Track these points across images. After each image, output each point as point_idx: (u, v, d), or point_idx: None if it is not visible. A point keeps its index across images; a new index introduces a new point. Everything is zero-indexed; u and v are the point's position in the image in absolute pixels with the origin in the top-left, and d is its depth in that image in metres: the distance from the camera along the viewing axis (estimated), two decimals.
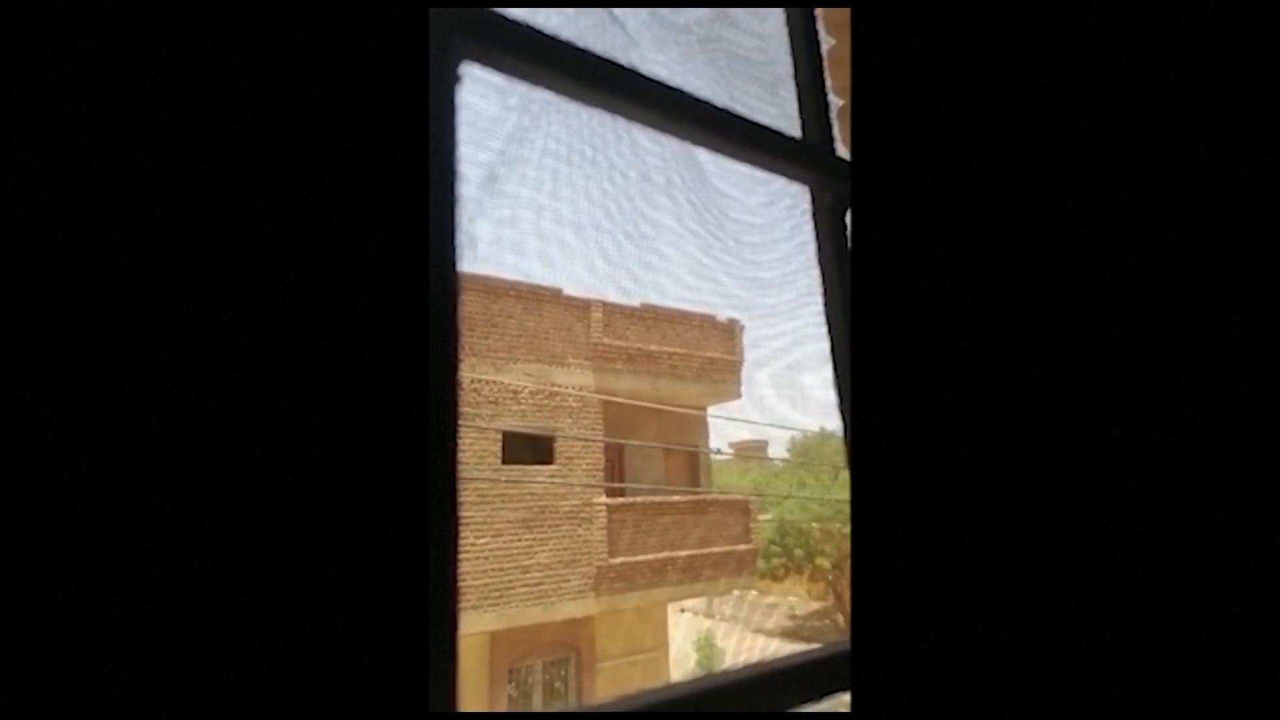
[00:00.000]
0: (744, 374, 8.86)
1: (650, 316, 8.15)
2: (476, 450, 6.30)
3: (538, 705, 7.33)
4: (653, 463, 8.74)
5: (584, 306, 7.51)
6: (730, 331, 8.90)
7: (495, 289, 6.92)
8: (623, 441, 7.68)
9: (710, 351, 8.53)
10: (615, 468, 8.34)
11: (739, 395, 8.93)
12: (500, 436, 6.55)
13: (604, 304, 7.63)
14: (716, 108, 0.71)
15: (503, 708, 6.93)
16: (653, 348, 7.95)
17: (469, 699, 6.68)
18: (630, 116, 0.67)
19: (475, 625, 6.04)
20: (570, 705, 7.49)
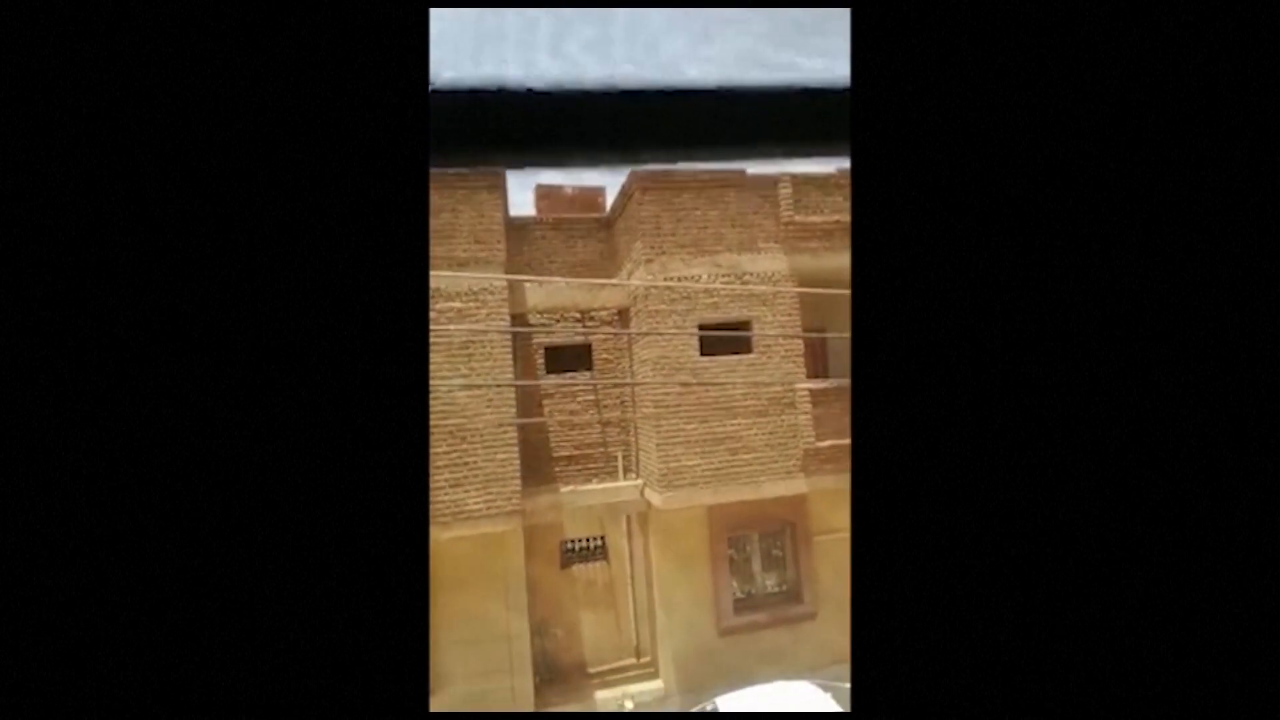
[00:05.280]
0: None
1: (847, 182, 7.42)
2: (676, 344, 6.61)
3: (757, 570, 7.97)
4: None
5: (770, 184, 7.11)
6: None
7: (675, 183, 6.85)
8: (820, 335, 7.39)
9: None
10: (818, 353, 8.13)
11: None
12: (697, 330, 6.75)
13: (792, 177, 7.13)
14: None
15: (724, 571, 7.67)
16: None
17: (693, 562, 7.50)
18: None
19: (691, 500, 6.64)
20: (788, 572, 8.01)
